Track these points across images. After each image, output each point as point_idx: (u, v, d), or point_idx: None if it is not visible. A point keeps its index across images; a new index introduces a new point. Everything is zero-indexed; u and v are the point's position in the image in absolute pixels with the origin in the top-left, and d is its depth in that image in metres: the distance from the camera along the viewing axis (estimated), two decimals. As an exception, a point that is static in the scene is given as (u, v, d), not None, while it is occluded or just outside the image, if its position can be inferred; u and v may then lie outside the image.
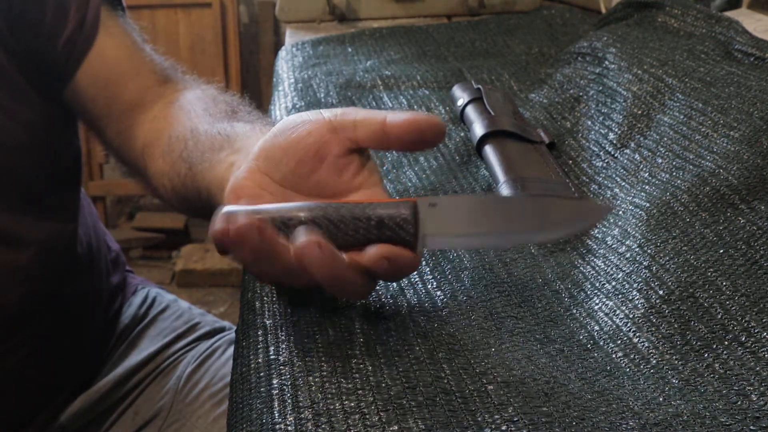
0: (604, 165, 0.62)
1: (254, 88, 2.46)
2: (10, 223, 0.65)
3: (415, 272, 0.49)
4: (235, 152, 0.50)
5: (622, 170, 0.60)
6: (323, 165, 0.44)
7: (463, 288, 0.48)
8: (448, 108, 0.76)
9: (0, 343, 0.68)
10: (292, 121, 0.45)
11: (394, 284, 0.48)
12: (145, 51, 0.69)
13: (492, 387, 0.38)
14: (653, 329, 0.43)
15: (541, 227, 0.43)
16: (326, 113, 0.45)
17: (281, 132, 0.45)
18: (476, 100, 0.72)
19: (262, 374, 0.41)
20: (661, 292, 0.45)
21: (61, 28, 0.65)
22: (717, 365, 0.40)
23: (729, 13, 0.85)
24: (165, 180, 0.59)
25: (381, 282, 0.48)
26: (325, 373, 0.40)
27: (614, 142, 0.63)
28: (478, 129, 0.66)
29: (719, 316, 0.43)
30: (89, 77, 0.67)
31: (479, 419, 0.36)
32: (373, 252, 0.40)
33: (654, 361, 0.42)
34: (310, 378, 0.39)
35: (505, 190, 0.58)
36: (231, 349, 0.82)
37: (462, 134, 0.70)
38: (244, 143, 0.50)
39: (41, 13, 0.65)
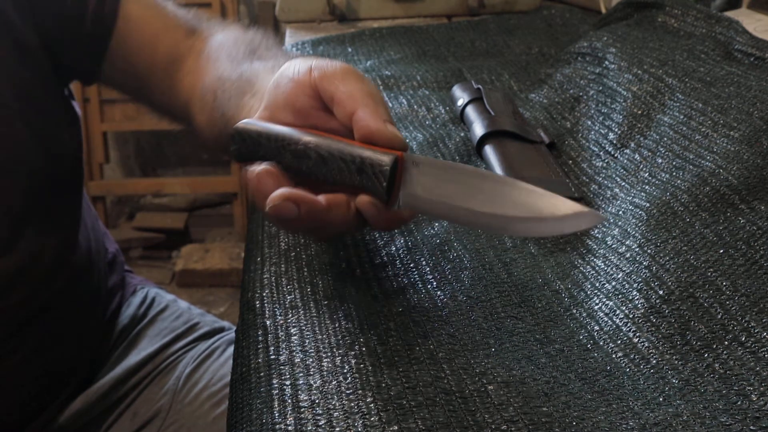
0: (604, 165, 0.62)
1: (254, 88, 2.45)
2: (12, 225, 0.65)
3: (416, 272, 0.49)
4: (253, 95, 0.53)
5: (622, 170, 0.60)
6: (317, 115, 0.46)
7: (463, 288, 0.48)
8: (448, 108, 0.76)
9: (5, 343, 0.67)
10: (285, 77, 0.47)
11: (394, 284, 0.48)
12: (168, 7, 0.71)
13: (492, 387, 0.38)
14: (653, 329, 0.43)
15: (522, 220, 0.40)
16: (315, 72, 0.46)
17: (278, 86, 0.48)
18: (476, 100, 0.72)
19: (262, 374, 0.41)
20: (661, 292, 0.45)
21: (84, 4, 0.66)
22: (717, 365, 0.40)
23: (729, 13, 0.85)
24: (207, 132, 0.62)
25: (380, 282, 0.48)
26: (325, 373, 0.40)
27: (614, 142, 0.63)
28: (478, 129, 0.66)
29: (719, 316, 0.43)
30: (122, 46, 0.68)
31: (479, 419, 0.36)
32: (363, 198, 0.42)
33: (654, 361, 0.42)
34: (310, 378, 0.39)
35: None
36: (230, 350, 0.82)
37: (462, 134, 0.70)
38: (260, 85, 0.53)
39: None
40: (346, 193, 0.43)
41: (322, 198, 0.42)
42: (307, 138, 0.44)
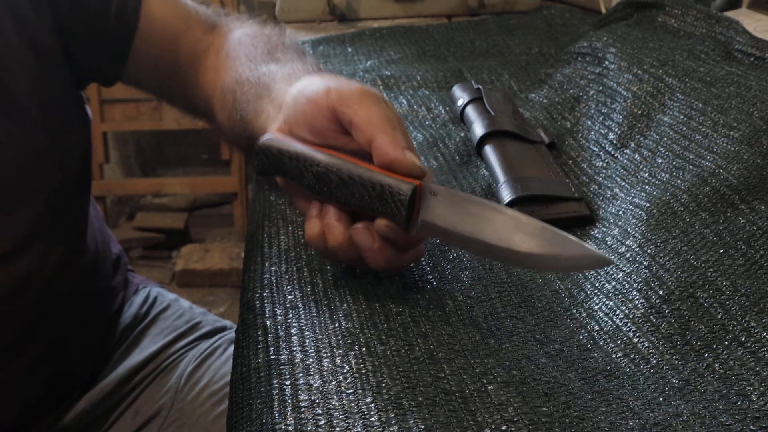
0: (604, 165, 0.62)
1: (254, 88, 2.45)
2: (25, 232, 0.65)
3: (416, 272, 0.49)
4: (271, 102, 0.54)
5: (622, 170, 0.60)
6: (335, 137, 0.47)
7: (462, 288, 0.48)
8: (448, 108, 0.76)
9: (11, 347, 0.67)
10: (303, 96, 0.48)
11: (394, 284, 0.48)
12: (187, 4, 0.71)
13: (492, 387, 0.38)
14: (653, 329, 0.43)
15: (533, 254, 0.42)
16: (332, 94, 0.46)
17: (296, 105, 0.48)
18: (476, 100, 0.72)
19: (262, 374, 0.41)
20: (661, 292, 0.45)
21: (107, 3, 0.67)
22: (717, 365, 0.40)
23: (729, 13, 0.85)
24: (228, 130, 0.63)
25: (380, 282, 0.48)
26: (325, 373, 0.40)
27: (614, 142, 0.63)
28: (478, 129, 0.66)
29: (719, 316, 0.43)
30: (145, 44, 0.69)
31: (479, 419, 0.36)
32: (381, 222, 0.44)
33: (654, 361, 0.42)
34: (310, 378, 0.40)
35: (505, 190, 0.58)
36: (231, 348, 0.82)
37: (462, 134, 0.70)
38: (278, 93, 0.54)
39: None
40: (365, 214, 0.45)
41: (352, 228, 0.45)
42: (327, 160, 0.45)
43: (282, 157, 0.47)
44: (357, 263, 0.47)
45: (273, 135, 0.48)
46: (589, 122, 0.68)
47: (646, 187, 0.56)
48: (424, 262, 0.51)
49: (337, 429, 0.36)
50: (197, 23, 0.70)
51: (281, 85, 0.55)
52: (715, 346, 0.41)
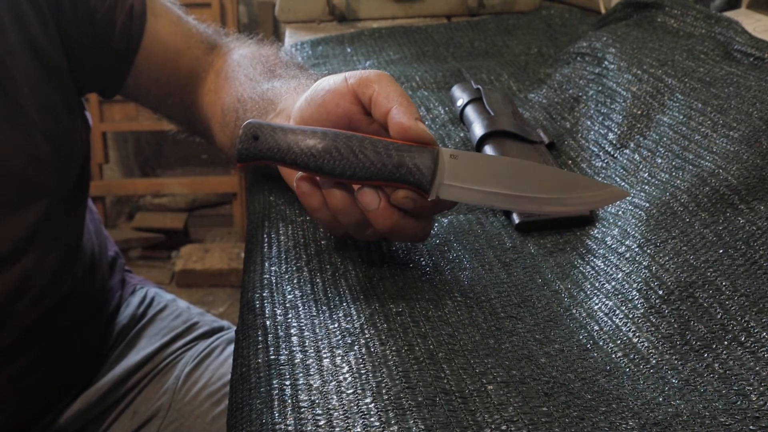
0: (604, 165, 0.62)
1: (253, 88, 2.45)
2: (23, 239, 0.64)
3: (415, 272, 0.49)
4: (278, 114, 0.56)
5: (621, 170, 0.60)
6: (358, 119, 0.48)
7: (462, 288, 0.48)
8: (447, 108, 0.76)
9: (8, 349, 0.67)
10: (321, 89, 0.49)
11: (394, 284, 0.48)
12: (189, 23, 0.72)
13: (492, 387, 0.38)
14: (653, 329, 0.43)
15: (555, 197, 0.45)
16: (351, 80, 0.48)
17: (313, 100, 0.49)
18: (476, 100, 0.72)
19: (262, 374, 0.41)
20: (660, 292, 0.45)
21: (112, 22, 0.67)
22: (717, 365, 0.40)
23: (729, 13, 0.85)
24: (229, 151, 0.64)
25: (380, 282, 0.48)
26: (325, 373, 0.40)
27: (614, 142, 0.63)
28: (478, 129, 0.66)
29: (719, 316, 0.43)
30: (147, 62, 0.70)
31: (479, 419, 0.36)
32: (400, 193, 0.45)
33: (654, 361, 0.42)
34: (310, 378, 0.40)
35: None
36: (229, 349, 0.82)
37: (462, 134, 0.70)
38: (284, 104, 0.56)
39: (92, 9, 0.67)
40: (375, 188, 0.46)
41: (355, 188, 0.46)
42: (338, 134, 0.45)
43: (275, 136, 0.46)
44: (361, 232, 0.48)
45: (253, 120, 0.48)
46: (589, 122, 0.68)
47: (646, 187, 0.56)
48: (423, 262, 0.51)
49: (337, 429, 0.36)
50: (198, 42, 0.71)
51: (288, 97, 0.56)
52: (714, 346, 0.41)
